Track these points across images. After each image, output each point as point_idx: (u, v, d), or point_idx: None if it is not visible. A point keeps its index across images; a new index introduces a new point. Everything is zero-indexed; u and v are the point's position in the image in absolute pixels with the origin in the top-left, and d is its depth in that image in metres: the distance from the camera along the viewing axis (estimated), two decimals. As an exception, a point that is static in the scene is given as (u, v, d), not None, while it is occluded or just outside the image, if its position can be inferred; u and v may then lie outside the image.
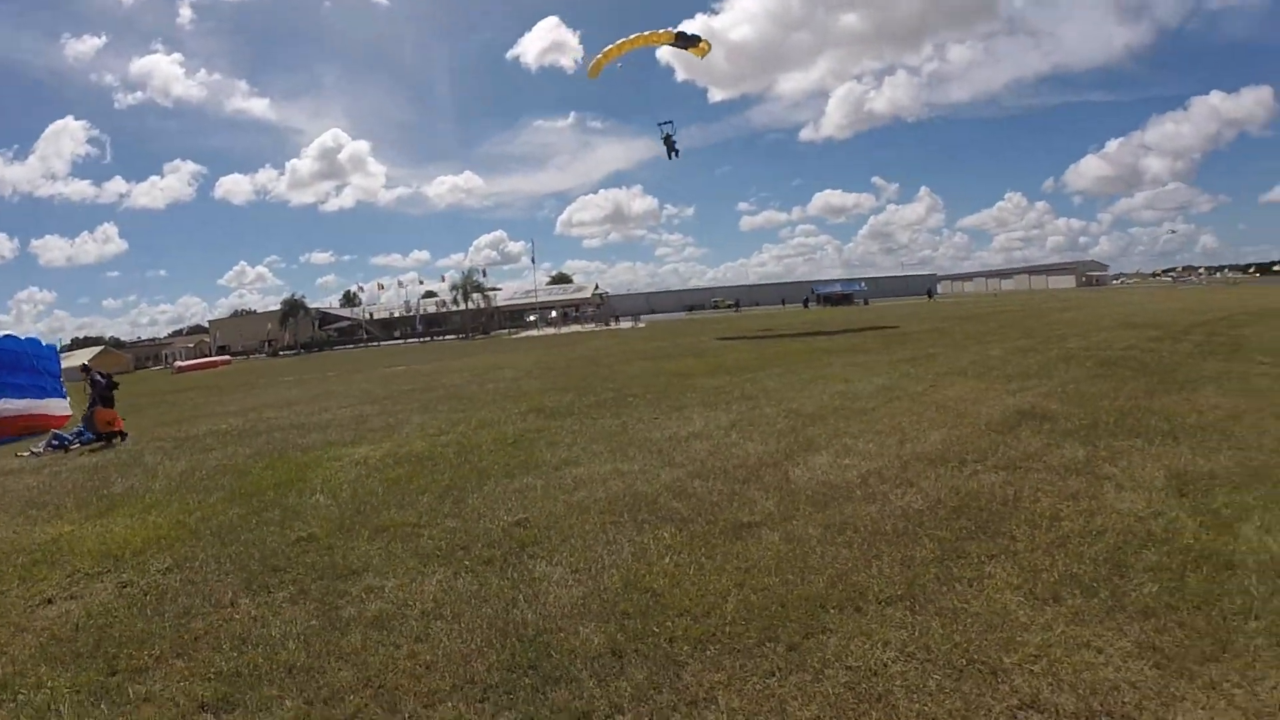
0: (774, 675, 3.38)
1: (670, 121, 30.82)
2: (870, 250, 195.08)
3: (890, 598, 4.09)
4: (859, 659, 3.48)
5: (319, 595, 4.69)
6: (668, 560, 4.83)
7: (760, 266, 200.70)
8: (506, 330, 77.87)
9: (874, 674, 3.36)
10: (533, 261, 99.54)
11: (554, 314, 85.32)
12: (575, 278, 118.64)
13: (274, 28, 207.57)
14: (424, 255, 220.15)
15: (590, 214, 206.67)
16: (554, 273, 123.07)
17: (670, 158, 31.66)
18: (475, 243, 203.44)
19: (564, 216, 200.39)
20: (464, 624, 4.10)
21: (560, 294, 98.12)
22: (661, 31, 27.89)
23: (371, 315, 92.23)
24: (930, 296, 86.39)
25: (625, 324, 65.36)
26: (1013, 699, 3.18)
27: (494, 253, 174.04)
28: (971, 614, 3.90)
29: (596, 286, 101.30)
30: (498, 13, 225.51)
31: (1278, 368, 11.35)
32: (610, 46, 28.42)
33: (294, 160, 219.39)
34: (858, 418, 9.44)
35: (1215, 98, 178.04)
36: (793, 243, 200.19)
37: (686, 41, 28.16)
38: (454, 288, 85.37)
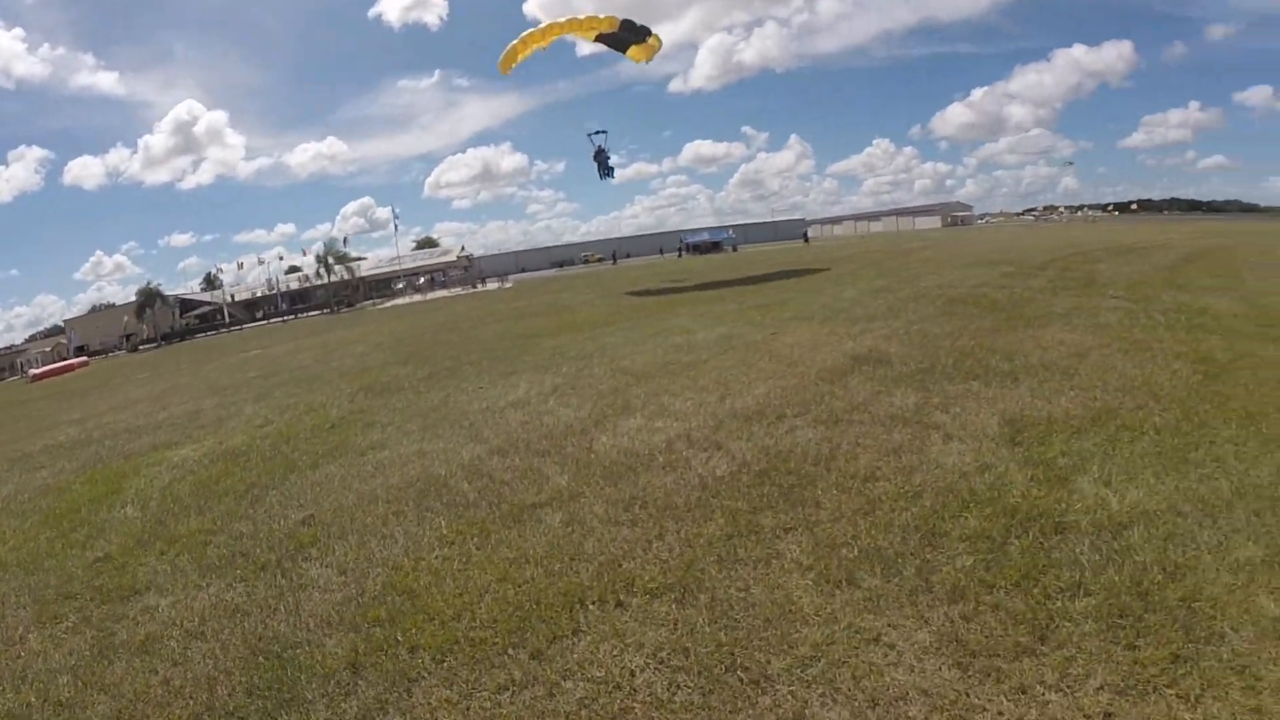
0: (507, 690, 3.30)
1: (603, 131, 27.95)
2: (742, 198, 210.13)
3: (660, 587, 3.97)
4: (605, 668, 3.35)
5: (99, 621, 4.65)
6: (437, 554, 4.80)
7: (633, 218, 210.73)
8: (373, 301, 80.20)
9: (616, 687, 3.22)
10: (395, 227, 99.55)
11: (421, 280, 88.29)
12: (445, 240, 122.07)
13: None
14: (289, 229, 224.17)
15: (459, 174, 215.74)
16: (422, 237, 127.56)
17: (602, 177, 29.26)
18: (342, 211, 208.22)
19: (432, 178, 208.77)
20: (222, 642, 4.10)
21: (426, 259, 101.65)
22: (600, 17, 24.22)
23: (233, 297, 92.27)
24: (806, 240, 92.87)
25: (492, 285, 68.46)
26: (770, 717, 2.86)
27: (362, 220, 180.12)
28: (748, 605, 3.69)
29: (463, 248, 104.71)
30: None
31: (1129, 301, 12.09)
32: (528, 34, 24.55)
33: (146, 137, 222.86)
34: (685, 373, 9.50)
35: (1078, 50, 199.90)
36: (665, 193, 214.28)
37: (630, 35, 24.74)
38: (317, 260, 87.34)
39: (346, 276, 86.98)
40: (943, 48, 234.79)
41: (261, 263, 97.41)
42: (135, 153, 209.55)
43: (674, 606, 3.74)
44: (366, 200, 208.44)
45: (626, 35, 24.64)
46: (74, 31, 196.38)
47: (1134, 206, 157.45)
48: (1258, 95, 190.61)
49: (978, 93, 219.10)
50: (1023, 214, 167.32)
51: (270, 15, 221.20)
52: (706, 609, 3.68)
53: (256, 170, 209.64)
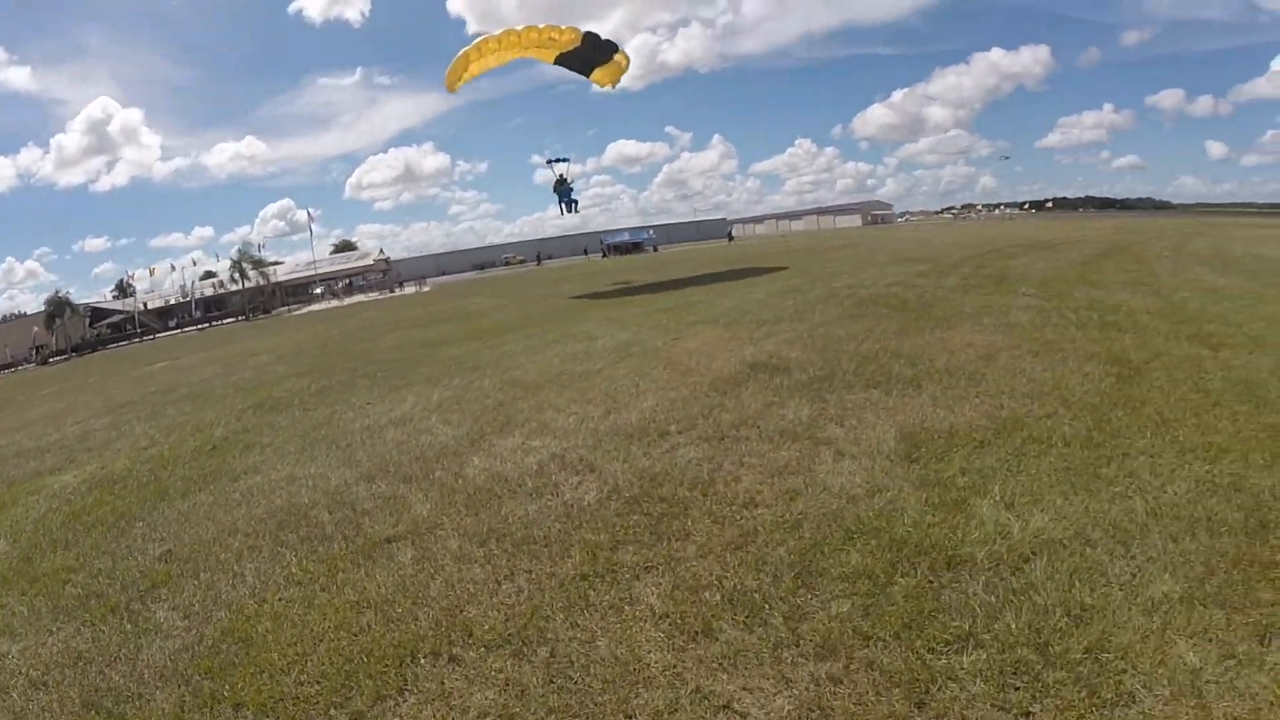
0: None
1: (564, 159, 26.78)
2: (666, 198, 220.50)
3: (499, 639, 3.65)
4: (425, 735, 3.07)
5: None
6: (282, 596, 4.51)
7: (557, 219, 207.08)
8: (290, 307, 79.35)
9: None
10: (311, 230, 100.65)
11: (339, 284, 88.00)
12: (366, 243, 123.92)
13: None
14: (207, 232, 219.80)
15: (381, 175, 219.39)
16: (341, 240, 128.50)
17: (564, 212, 27.94)
18: (261, 213, 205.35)
19: (354, 179, 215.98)
20: (60, 694, 3.85)
21: (344, 263, 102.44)
22: (560, 29, 21.95)
23: (146, 305, 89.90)
24: (730, 239, 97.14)
25: (410, 289, 69.01)
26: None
27: (282, 223, 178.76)
28: (590, 662, 3.36)
29: (381, 251, 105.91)
30: None
31: (1041, 299, 12.04)
32: (481, 48, 22.24)
33: (59, 136, 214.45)
34: (576, 384, 9.18)
35: (996, 54, 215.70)
36: (589, 193, 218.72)
37: (594, 53, 23.20)
38: (231, 265, 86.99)
39: (262, 282, 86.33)
40: (864, 49, 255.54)
41: (174, 269, 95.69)
42: (47, 153, 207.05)
43: (510, 662, 3.43)
44: (286, 202, 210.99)
45: (590, 53, 23.21)
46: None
47: (1049, 204, 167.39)
48: (1169, 98, 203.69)
49: (898, 94, 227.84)
50: (942, 212, 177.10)
51: (188, 9, 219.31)
52: (544, 666, 3.37)
53: (173, 171, 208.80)
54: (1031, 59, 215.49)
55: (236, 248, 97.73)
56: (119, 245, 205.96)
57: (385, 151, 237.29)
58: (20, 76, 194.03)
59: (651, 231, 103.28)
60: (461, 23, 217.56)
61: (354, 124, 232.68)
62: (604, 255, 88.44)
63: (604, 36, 23.23)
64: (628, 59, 24.25)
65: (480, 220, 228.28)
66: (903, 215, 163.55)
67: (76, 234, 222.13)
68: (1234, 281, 14.65)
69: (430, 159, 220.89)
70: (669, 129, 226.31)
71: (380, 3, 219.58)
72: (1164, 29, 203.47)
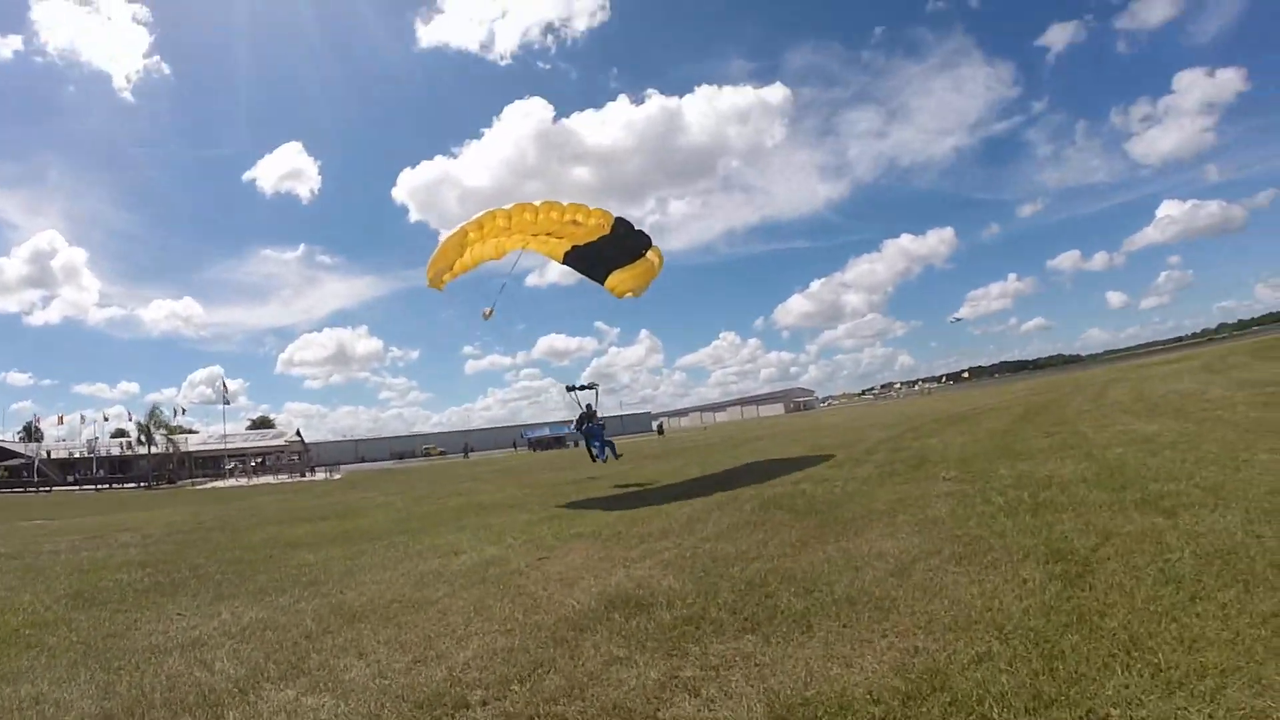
0: None
1: (591, 386, 21.24)
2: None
3: None
4: None
5: None
6: None
7: (485, 410, 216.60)
8: (195, 480, 78.54)
9: None
10: (225, 401, 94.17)
11: (253, 462, 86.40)
12: (294, 421, 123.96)
13: (3, 99, 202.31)
14: (133, 388, 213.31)
15: (313, 353, 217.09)
16: (260, 416, 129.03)
17: (595, 457, 21.71)
18: (190, 377, 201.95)
19: (286, 354, 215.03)
20: None
21: (258, 439, 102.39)
22: (588, 209, 16.82)
23: (50, 454, 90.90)
24: (660, 433, 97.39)
25: (320, 475, 66.84)
26: None
27: (209, 390, 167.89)
28: None
29: (298, 433, 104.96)
30: (241, 130, 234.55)
31: (963, 482, 10.88)
32: (473, 228, 16.17)
33: (1, 259, 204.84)
34: (402, 617, 7.43)
35: (905, 239, 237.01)
36: (518, 386, 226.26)
37: (619, 249, 18.01)
38: (139, 428, 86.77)
39: (170, 449, 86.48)
40: (782, 244, 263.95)
41: (83, 420, 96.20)
42: None
43: None
44: (216, 369, 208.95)
45: (613, 248, 17.82)
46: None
47: (965, 374, 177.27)
48: (1067, 259, 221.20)
49: (816, 284, 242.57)
50: (863, 393, 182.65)
51: (148, 160, 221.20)
52: None
53: (108, 319, 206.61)
54: (938, 240, 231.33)
55: (150, 409, 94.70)
56: (41, 384, 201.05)
57: (320, 330, 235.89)
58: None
59: (571, 427, 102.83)
60: (404, 209, 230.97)
61: (292, 299, 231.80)
62: (530, 449, 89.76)
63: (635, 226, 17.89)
64: (661, 258, 18.95)
65: (409, 408, 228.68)
66: (825, 400, 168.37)
67: (1, 364, 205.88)
68: (1166, 426, 13.76)
69: (364, 342, 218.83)
70: (598, 323, 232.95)
71: (330, 183, 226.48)
72: (1055, 198, 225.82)
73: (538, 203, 16.34)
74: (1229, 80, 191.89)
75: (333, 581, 10.09)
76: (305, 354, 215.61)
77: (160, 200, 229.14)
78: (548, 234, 17.52)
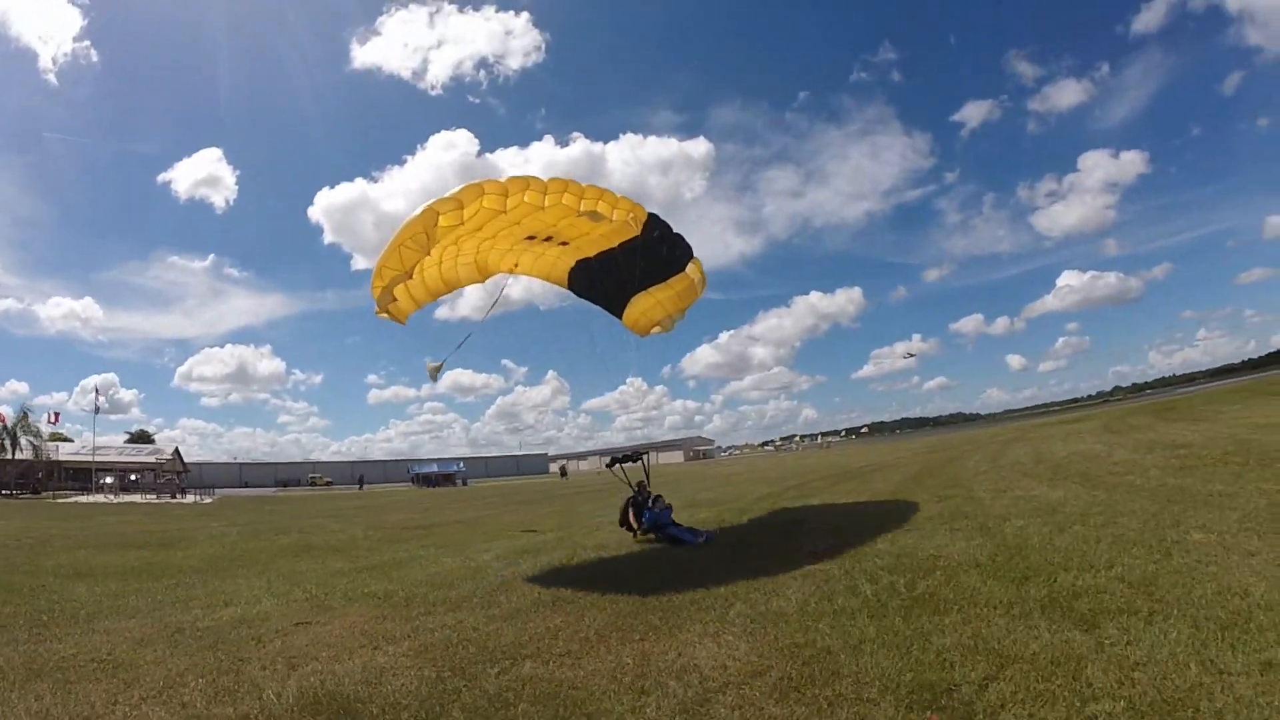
0: None
1: (637, 456, 14.49)
2: (497, 430, 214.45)
3: None
4: None
5: None
6: None
7: (386, 442, 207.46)
8: (59, 492, 73.46)
9: None
10: (96, 409, 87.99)
11: (125, 479, 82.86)
12: (189, 439, 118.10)
13: None
14: (22, 388, 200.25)
15: (213, 369, 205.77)
16: (139, 430, 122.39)
17: (640, 532, 13.43)
18: (82, 383, 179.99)
19: (184, 368, 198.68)
20: None
21: (132, 455, 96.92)
22: (616, 195, 11.80)
23: None
24: (564, 475, 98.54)
25: (191, 498, 62.58)
26: None
27: (102, 398, 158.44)
28: None
29: (176, 452, 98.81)
30: (163, 129, 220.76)
31: (831, 558, 9.02)
32: (421, 234, 10.04)
33: None
34: (86, 681, 6.37)
35: (814, 296, 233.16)
36: (420, 419, 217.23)
37: (651, 259, 12.92)
38: (4, 431, 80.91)
39: (35, 458, 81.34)
40: None
41: None
42: None
43: None
44: (111, 377, 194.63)
45: (641, 263, 12.77)
46: None
47: (865, 429, 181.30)
48: (969, 323, 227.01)
49: (724, 335, 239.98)
50: (764, 444, 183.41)
51: (63, 148, 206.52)
52: None
53: (2, 311, 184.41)
54: (846, 299, 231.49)
55: (19, 409, 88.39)
56: None
57: (222, 346, 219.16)
58: None
59: (462, 464, 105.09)
60: (320, 229, 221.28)
61: (196, 310, 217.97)
62: (415, 484, 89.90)
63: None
64: (703, 274, 14.12)
65: (308, 434, 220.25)
66: (726, 449, 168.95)
67: None
68: (1072, 492, 12.22)
69: (266, 362, 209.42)
70: (505, 362, 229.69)
71: (247, 195, 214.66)
72: (961, 264, 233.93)
73: (544, 179, 10.91)
74: (1131, 162, 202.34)
75: (66, 624, 9.02)
76: (205, 369, 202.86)
77: (71, 191, 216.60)
78: (547, 238, 12.63)
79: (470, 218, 10.54)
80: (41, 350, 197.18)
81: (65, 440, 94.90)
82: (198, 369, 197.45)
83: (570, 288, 14.28)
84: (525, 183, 10.70)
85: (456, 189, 10.28)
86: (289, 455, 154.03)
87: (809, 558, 9.09)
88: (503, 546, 14.38)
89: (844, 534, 10.66)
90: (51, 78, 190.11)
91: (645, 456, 14.49)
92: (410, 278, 10.96)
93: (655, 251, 12.83)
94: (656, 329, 14.75)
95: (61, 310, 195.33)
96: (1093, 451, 19.44)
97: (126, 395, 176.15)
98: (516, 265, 13.51)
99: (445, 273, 12.39)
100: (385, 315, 11.69)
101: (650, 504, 12.77)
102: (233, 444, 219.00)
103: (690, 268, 13.69)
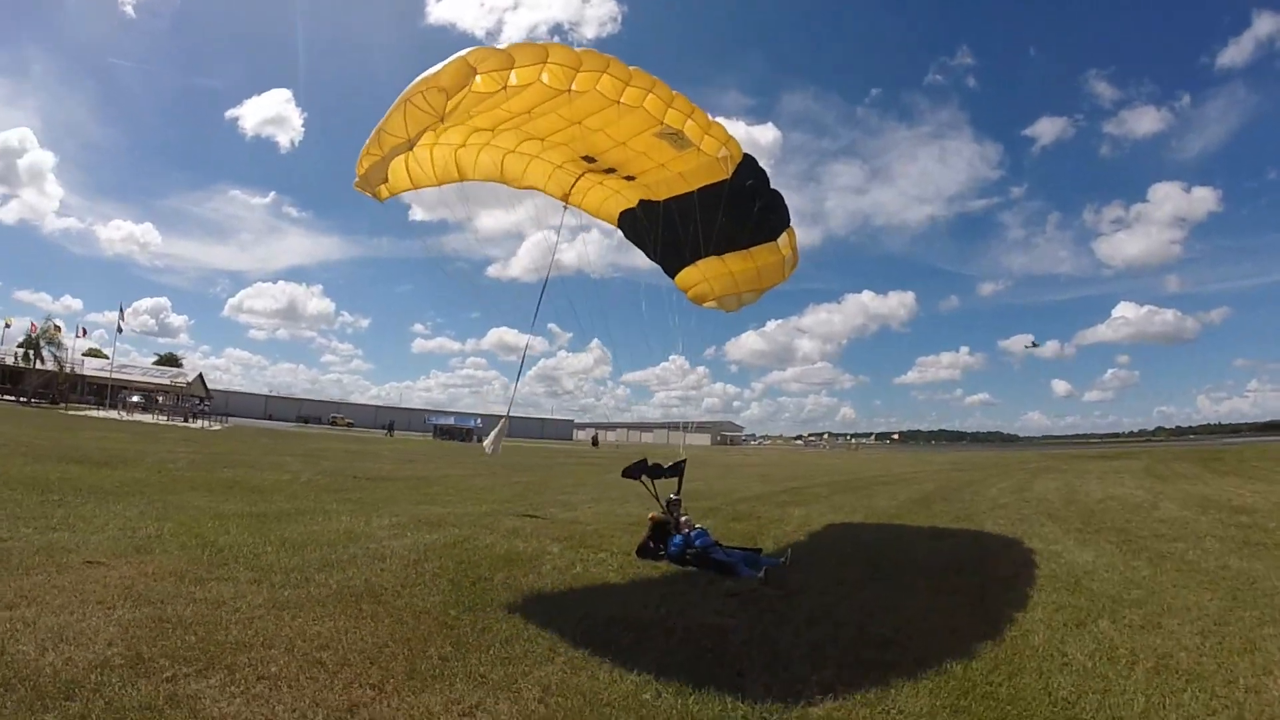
0: None
1: (673, 467, 10.12)
2: (536, 391, 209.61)
3: None
4: None
5: None
6: None
7: (425, 391, 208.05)
8: (71, 405, 73.85)
9: None
10: (119, 329, 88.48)
11: (136, 398, 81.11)
12: (233, 368, 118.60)
13: None
14: (76, 304, 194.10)
15: (264, 303, 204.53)
16: (167, 353, 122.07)
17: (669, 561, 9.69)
18: (135, 305, 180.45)
19: (235, 300, 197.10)
20: None
21: (157, 376, 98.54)
22: (709, 119, 8.93)
23: None
24: (595, 444, 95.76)
25: (201, 423, 60.52)
26: None
27: (153, 320, 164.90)
28: None
29: (200, 376, 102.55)
30: (235, 67, 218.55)
31: (760, 607, 6.49)
32: (447, 86, 6.47)
33: None
34: None
35: (867, 296, 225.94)
36: (462, 373, 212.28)
37: (737, 216, 9.96)
38: (24, 342, 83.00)
39: (57, 369, 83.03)
40: None
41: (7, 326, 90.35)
42: None
43: None
44: (164, 301, 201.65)
45: (723, 217, 9.83)
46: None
47: (895, 436, 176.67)
48: (1018, 343, 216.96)
49: (772, 324, 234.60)
50: (796, 439, 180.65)
51: (135, 75, 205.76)
52: None
53: (64, 230, 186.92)
54: (898, 303, 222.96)
55: (42, 321, 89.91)
56: None
57: (274, 282, 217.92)
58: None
59: (478, 421, 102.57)
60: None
61: (251, 245, 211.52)
62: (434, 435, 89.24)
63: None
64: (795, 249, 10.80)
65: (349, 375, 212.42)
66: (755, 438, 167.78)
67: None
68: (1105, 555, 9.56)
69: (316, 301, 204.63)
70: (551, 325, 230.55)
71: (312, 138, 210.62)
72: (1018, 281, 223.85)
73: (629, 68, 7.79)
74: (1203, 199, 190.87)
75: None
76: (255, 302, 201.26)
77: (140, 121, 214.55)
78: (610, 169, 9.72)
79: (518, 93, 7.36)
80: (98, 270, 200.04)
81: (101, 356, 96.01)
82: (248, 301, 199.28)
83: (621, 226, 11.28)
84: (604, 62, 7.52)
85: (509, 44, 6.95)
86: (328, 394, 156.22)
87: (727, 601, 6.59)
88: (420, 512, 12.58)
89: (806, 568, 8.13)
90: (129, 10, 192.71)
91: (683, 465, 10.28)
92: (411, 150, 7.32)
93: (743, 207, 9.84)
94: (713, 304, 11.69)
95: (121, 233, 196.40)
96: (1134, 499, 16.53)
97: (176, 320, 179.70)
98: (568, 193, 10.35)
99: (462, 158, 9.24)
100: (365, 190, 8.16)
101: (677, 524, 9.19)
102: (275, 378, 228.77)
103: (783, 239, 10.41)
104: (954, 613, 6.54)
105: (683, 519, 9.22)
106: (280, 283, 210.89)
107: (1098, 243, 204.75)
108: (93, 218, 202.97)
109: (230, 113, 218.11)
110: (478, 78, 6.62)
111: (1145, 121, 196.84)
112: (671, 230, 10.23)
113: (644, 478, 9.74)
